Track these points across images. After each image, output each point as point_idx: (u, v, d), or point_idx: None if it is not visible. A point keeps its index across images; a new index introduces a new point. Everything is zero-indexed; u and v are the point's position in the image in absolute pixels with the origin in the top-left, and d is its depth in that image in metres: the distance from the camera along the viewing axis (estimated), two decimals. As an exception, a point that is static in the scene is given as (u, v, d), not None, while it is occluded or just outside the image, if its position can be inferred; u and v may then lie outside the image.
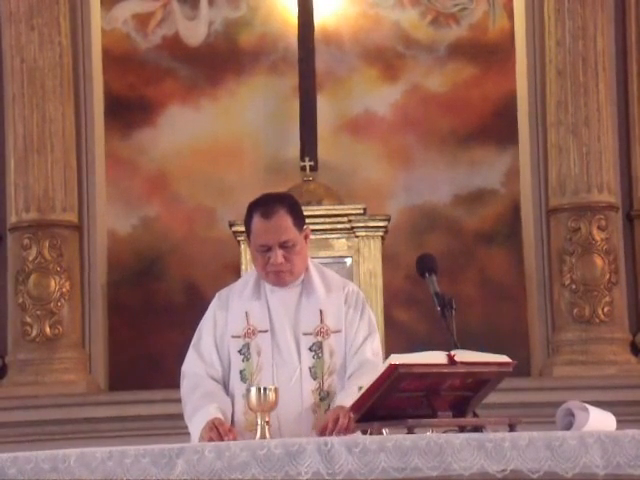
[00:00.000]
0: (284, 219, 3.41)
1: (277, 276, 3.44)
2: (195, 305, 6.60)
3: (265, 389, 3.14)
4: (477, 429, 3.01)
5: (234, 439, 3.19)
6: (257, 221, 3.43)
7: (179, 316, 6.84)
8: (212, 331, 3.50)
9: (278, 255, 3.39)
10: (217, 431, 3.22)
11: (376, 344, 3.50)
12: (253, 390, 3.15)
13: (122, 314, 7.00)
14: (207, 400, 3.37)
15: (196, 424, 3.32)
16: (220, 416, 3.31)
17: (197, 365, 3.47)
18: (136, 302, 7.07)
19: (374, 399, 2.95)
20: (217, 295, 3.57)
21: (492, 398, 3.17)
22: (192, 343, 3.54)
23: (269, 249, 3.41)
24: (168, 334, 6.88)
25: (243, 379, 3.44)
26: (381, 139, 7.22)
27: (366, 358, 3.43)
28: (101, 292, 6.92)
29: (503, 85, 7.20)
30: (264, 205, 3.44)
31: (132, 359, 6.89)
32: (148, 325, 6.99)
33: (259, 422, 3.12)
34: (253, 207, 3.47)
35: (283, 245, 3.40)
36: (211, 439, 3.20)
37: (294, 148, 6.95)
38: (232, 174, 7.17)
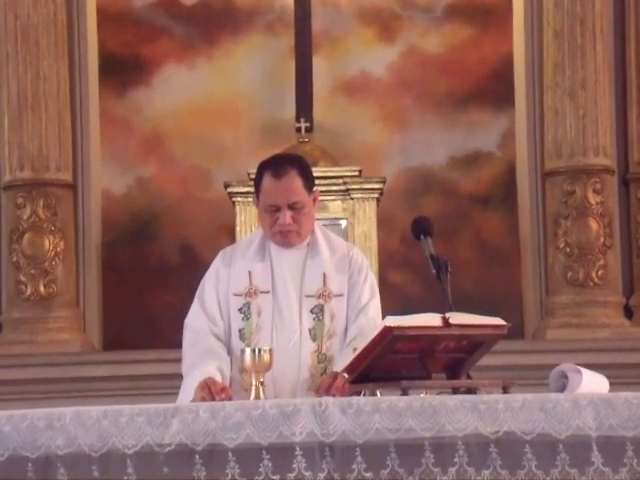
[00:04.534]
0: (295, 180, 3.41)
1: (284, 236, 3.44)
2: (190, 266, 6.64)
3: (260, 350, 3.14)
4: (471, 391, 3.02)
5: (227, 398, 3.20)
6: (267, 180, 3.42)
7: (174, 277, 6.86)
8: (214, 287, 3.50)
9: (287, 216, 3.39)
10: (209, 390, 3.22)
11: (377, 309, 3.51)
12: (248, 351, 3.15)
13: (117, 274, 6.99)
14: (205, 358, 3.38)
15: (191, 381, 3.33)
16: (215, 375, 3.32)
17: (200, 320, 3.48)
18: (131, 262, 7.06)
19: (369, 361, 2.97)
20: (221, 252, 3.57)
21: (486, 360, 3.17)
22: (197, 295, 3.54)
23: (278, 209, 3.40)
24: (162, 294, 6.90)
25: (242, 338, 3.45)
26: (377, 101, 7.19)
27: (367, 323, 3.44)
28: (95, 252, 6.91)
29: (500, 47, 7.17)
30: (275, 165, 3.43)
31: (126, 319, 6.90)
32: (142, 285, 6.99)
33: (253, 382, 3.13)
34: (264, 166, 3.46)
35: (292, 206, 3.40)
36: (203, 398, 3.21)
37: (290, 109, 6.92)
38: (227, 135, 7.15)
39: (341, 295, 3.46)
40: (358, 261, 3.52)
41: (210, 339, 3.45)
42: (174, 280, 6.79)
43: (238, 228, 6.40)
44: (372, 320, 3.45)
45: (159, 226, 7.12)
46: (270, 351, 3.15)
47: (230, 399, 3.21)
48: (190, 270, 6.16)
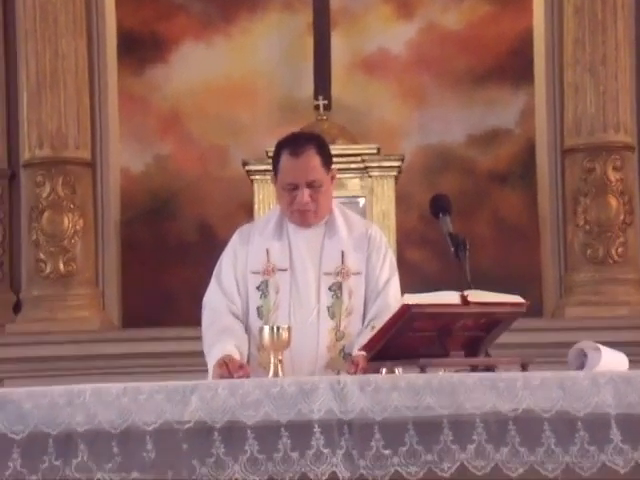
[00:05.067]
0: (313, 158, 3.40)
1: (302, 215, 3.43)
2: (208, 244, 6.65)
3: (278, 328, 3.14)
4: (489, 369, 3.01)
5: (245, 375, 3.21)
6: (285, 159, 3.41)
7: (192, 255, 6.87)
8: (232, 265, 3.49)
9: (305, 194, 3.38)
10: (227, 367, 3.23)
11: (396, 287, 3.51)
12: (266, 329, 3.16)
13: (135, 252, 7.02)
14: (223, 336, 3.38)
15: (211, 360, 3.34)
16: (234, 353, 3.32)
17: (218, 299, 3.48)
18: (149, 240, 7.09)
19: (387, 338, 2.96)
20: (238, 230, 3.57)
21: (505, 338, 3.16)
22: (214, 274, 3.54)
23: (296, 188, 3.40)
24: (181, 272, 6.92)
25: (260, 316, 3.45)
26: (395, 78, 7.17)
27: (387, 302, 3.44)
28: (114, 230, 6.93)
29: (519, 23, 7.12)
30: (293, 143, 3.42)
31: (145, 297, 6.92)
32: (161, 263, 7.01)
33: (272, 360, 3.14)
34: (282, 145, 3.45)
35: (310, 185, 3.39)
36: (221, 376, 3.22)
37: (308, 87, 6.91)
38: (245, 113, 7.14)
39: (359, 273, 3.46)
40: (377, 239, 3.52)
41: (228, 317, 3.45)
42: (192, 258, 6.81)
43: (256, 206, 6.40)
44: (392, 299, 3.44)
45: (177, 204, 7.13)
46: (288, 329, 3.16)
47: (248, 376, 3.21)
48: (208, 248, 6.16)
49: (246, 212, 6.55)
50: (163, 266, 7.00)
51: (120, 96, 7.05)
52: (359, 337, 3.39)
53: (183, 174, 7.15)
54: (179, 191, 7.14)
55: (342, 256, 3.46)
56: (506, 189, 7.12)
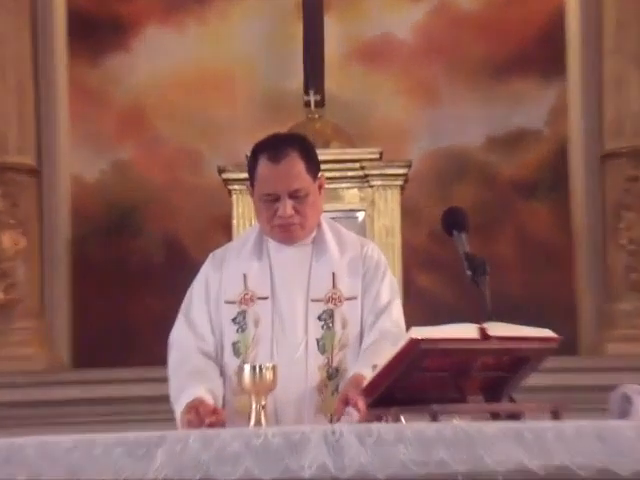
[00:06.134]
0: (296, 164, 3.41)
1: (285, 230, 3.44)
2: (177, 267, 6.65)
3: (261, 367, 3.14)
4: (514, 416, 3.01)
5: (220, 423, 3.20)
6: (264, 166, 3.43)
7: (158, 279, 6.89)
8: (204, 296, 3.51)
9: (287, 206, 3.39)
10: (197, 413, 3.23)
11: (398, 312, 3.51)
12: (247, 369, 3.14)
13: (90, 277, 7.03)
14: (193, 380, 3.38)
15: (179, 407, 3.34)
16: (206, 398, 3.32)
17: (186, 336, 3.49)
18: (107, 262, 7.09)
19: (391, 380, 2.95)
20: (210, 255, 3.58)
21: (532, 380, 3.16)
22: (182, 306, 3.55)
23: (276, 199, 3.41)
24: (144, 301, 6.92)
25: (236, 353, 3.46)
26: (401, 69, 7.20)
27: (386, 329, 3.44)
28: (64, 250, 6.95)
29: (549, 3, 7.16)
30: (273, 147, 3.43)
31: (101, 330, 6.92)
32: (121, 290, 7.01)
33: (254, 406, 3.12)
34: (259, 149, 3.46)
35: (293, 195, 3.40)
36: (190, 422, 3.21)
37: (296, 79, 6.93)
38: (222, 110, 7.17)
39: (354, 298, 3.47)
40: (374, 257, 3.53)
41: (198, 358, 3.46)
42: (159, 283, 6.82)
43: (235, 221, 6.41)
44: (394, 325, 3.45)
45: (141, 219, 7.15)
46: (273, 368, 3.15)
47: (224, 424, 3.21)
48: (177, 272, 6.18)
49: (223, 228, 6.57)
50: (123, 293, 7.00)
51: (71, 90, 7.06)
52: (353, 367, 3.38)
53: (148, 183, 7.17)
54: (143, 203, 7.16)
55: (333, 279, 3.47)
56: (534, 202, 7.13)
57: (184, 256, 6.84)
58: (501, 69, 7.16)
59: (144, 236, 7.15)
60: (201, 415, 3.22)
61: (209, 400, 3.33)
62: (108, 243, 7.13)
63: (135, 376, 6.28)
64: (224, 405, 3.41)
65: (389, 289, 3.51)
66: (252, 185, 3.50)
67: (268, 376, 3.14)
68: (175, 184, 7.16)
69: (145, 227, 7.16)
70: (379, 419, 3.00)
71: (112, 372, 6.53)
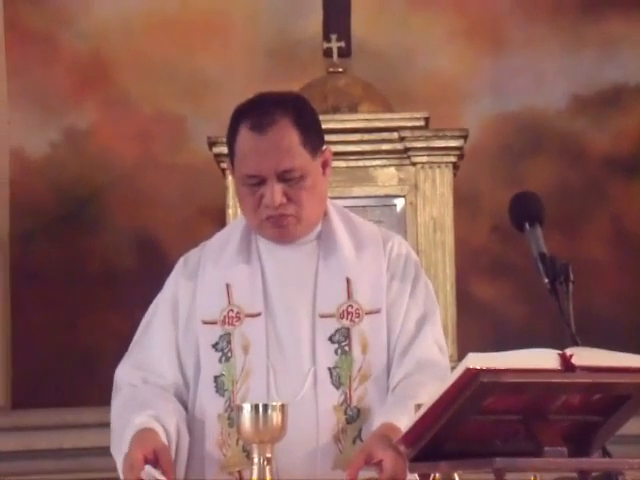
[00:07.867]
0: (286, 134, 3.38)
1: (276, 225, 3.42)
2: (151, 272, 6.64)
3: (266, 407, 3.10)
4: (609, 475, 2.99)
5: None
6: (244, 137, 3.40)
7: (125, 289, 6.91)
8: (170, 315, 3.49)
9: (275, 191, 3.36)
10: (149, 453, 3.17)
11: (439, 332, 3.49)
12: (246, 408, 3.12)
13: (34, 287, 7.06)
14: (137, 409, 3.33)
15: (125, 447, 3.28)
16: (155, 426, 3.26)
17: (133, 373, 3.47)
18: (57, 267, 7.14)
19: (440, 425, 2.93)
20: (182, 259, 3.57)
21: (633, 427, 3.17)
22: (137, 334, 3.53)
23: (262, 182, 3.39)
24: (107, 318, 6.94)
25: (220, 390, 3.42)
26: (453, 6, 7.24)
27: (425, 356, 3.42)
28: (1, 252, 6.95)
29: None
30: (256, 111, 3.41)
31: (48, 360, 6.94)
32: (75, 304, 7.03)
33: (256, 460, 3.07)
34: (240, 114, 3.44)
35: (283, 176, 3.37)
36: (133, 467, 3.16)
37: (314, 21, 6.97)
38: (213, 62, 7.23)
39: (377, 312, 3.45)
40: (402, 255, 3.51)
41: (146, 389, 3.42)
42: (126, 295, 6.83)
43: (230, 211, 6.41)
44: (438, 346, 3.44)
45: (102, 208, 7.19)
46: (282, 408, 3.11)
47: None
48: (152, 279, 6.12)
49: (213, 220, 6.62)
50: (77, 309, 7.02)
51: (7, 33, 7.08)
52: (381, 411, 3.35)
53: (112, 159, 7.20)
54: (106, 187, 7.19)
55: (348, 286, 3.46)
56: (633, 184, 7.16)
57: (160, 258, 6.84)
58: (590, 5, 7.18)
59: (107, 232, 7.18)
60: (162, 465, 3.17)
61: (160, 432, 3.26)
62: (59, 242, 7.17)
63: (92, 420, 6.25)
64: (205, 460, 3.37)
65: (424, 298, 3.50)
66: (232, 163, 3.48)
67: (276, 419, 3.09)
68: (148, 161, 7.21)
69: (108, 220, 7.19)
70: (425, 478, 2.98)
71: (62, 413, 6.51)
